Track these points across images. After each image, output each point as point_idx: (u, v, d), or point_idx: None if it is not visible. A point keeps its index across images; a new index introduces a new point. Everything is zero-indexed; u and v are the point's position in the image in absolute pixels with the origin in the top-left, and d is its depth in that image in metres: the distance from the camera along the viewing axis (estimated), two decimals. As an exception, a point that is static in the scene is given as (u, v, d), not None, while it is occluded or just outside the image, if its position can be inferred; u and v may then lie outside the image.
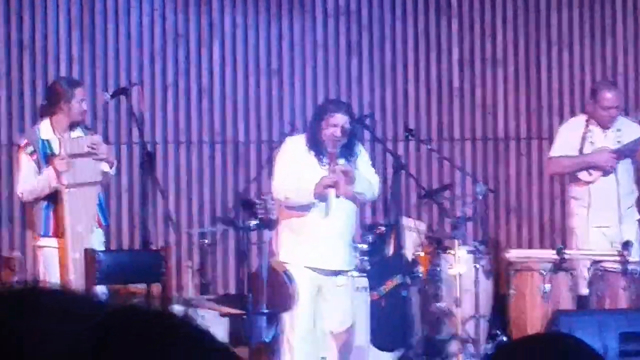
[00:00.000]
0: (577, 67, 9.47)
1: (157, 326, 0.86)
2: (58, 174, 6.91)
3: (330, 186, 6.92)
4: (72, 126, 6.95)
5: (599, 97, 7.89)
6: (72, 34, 8.75)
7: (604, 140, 7.92)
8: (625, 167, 7.83)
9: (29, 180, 7.03)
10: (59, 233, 7.02)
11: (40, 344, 0.82)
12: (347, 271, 7.18)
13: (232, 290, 8.57)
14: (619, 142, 7.90)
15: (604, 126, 7.81)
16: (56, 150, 6.98)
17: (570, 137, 8.06)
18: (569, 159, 8.00)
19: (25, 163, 6.96)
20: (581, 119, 8.09)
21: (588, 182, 7.91)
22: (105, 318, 0.83)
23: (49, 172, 6.93)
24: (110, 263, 6.99)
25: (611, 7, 9.27)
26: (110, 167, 7.04)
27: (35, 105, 8.26)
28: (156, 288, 6.99)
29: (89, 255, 6.80)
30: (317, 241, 6.99)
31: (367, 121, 8.04)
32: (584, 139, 7.95)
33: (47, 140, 6.98)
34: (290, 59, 8.96)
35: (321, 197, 6.97)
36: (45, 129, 6.94)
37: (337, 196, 7.00)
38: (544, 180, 9.16)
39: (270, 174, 7.48)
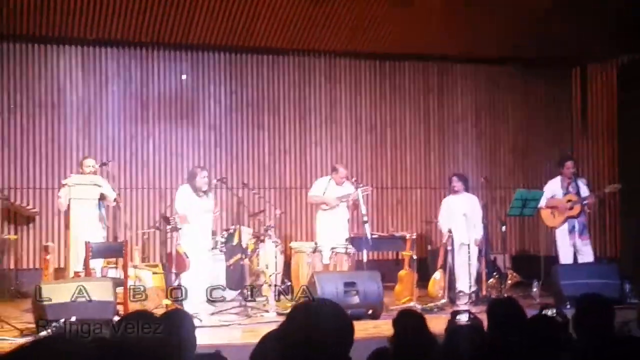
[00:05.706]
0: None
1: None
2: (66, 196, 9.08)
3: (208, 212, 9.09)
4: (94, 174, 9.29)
5: (338, 171, 10.46)
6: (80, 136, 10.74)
7: (336, 190, 10.27)
8: (344, 205, 10.19)
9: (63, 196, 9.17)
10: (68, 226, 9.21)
11: None
12: (214, 250, 9.66)
13: (157, 261, 10.70)
14: (342, 192, 10.11)
15: (339, 184, 10.24)
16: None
17: (319, 186, 10.36)
18: (319, 197, 10.31)
19: (63, 191, 9.31)
20: (326, 178, 10.41)
21: (327, 210, 10.23)
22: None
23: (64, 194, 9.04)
24: (98, 248, 9.10)
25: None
26: (114, 200, 9.52)
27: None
28: (120, 260, 9.22)
29: (87, 244, 8.84)
30: (198, 237, 9.24)
31: (223, 179, 10.22)
32: (326, 188, 10.30)
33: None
34: (195, 149, 11.80)
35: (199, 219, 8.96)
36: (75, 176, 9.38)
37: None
38: (310, 208, 11.38)
39: (172, 205, 9.72)
